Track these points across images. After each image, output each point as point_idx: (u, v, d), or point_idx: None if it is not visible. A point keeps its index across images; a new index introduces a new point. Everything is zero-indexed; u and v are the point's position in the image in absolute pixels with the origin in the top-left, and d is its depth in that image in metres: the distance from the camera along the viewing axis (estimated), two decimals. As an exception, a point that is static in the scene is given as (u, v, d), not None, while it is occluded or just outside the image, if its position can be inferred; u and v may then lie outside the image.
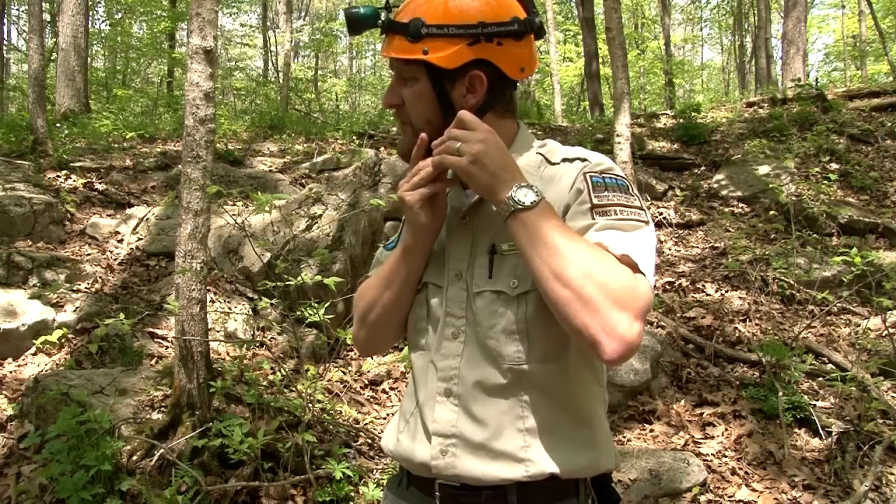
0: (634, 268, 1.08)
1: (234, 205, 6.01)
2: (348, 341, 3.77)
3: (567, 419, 1.19)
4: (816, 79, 13.30)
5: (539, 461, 1.15)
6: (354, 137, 9.10)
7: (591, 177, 1.17)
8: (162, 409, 3.53)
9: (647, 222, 1.15)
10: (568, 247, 1.07)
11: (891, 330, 4.50)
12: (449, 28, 1.18)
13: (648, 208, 7.05)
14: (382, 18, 1.23)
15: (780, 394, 4.03)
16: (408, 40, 1.19)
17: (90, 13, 13.73)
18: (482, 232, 1.23)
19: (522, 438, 1.16)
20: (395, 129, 9.97)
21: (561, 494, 1.18)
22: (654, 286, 1.30)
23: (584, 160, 1.22)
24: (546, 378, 1.17)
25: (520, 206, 1.10)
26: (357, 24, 1.25)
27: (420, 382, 1.27)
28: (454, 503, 1.20)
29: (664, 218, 7.22)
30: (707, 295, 5.80)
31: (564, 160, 1.24)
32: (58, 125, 8.77)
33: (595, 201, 1.14)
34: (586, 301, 1.03)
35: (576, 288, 1.04)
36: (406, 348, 4.45)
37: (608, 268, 1.05)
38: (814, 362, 4.57)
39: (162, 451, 3.13)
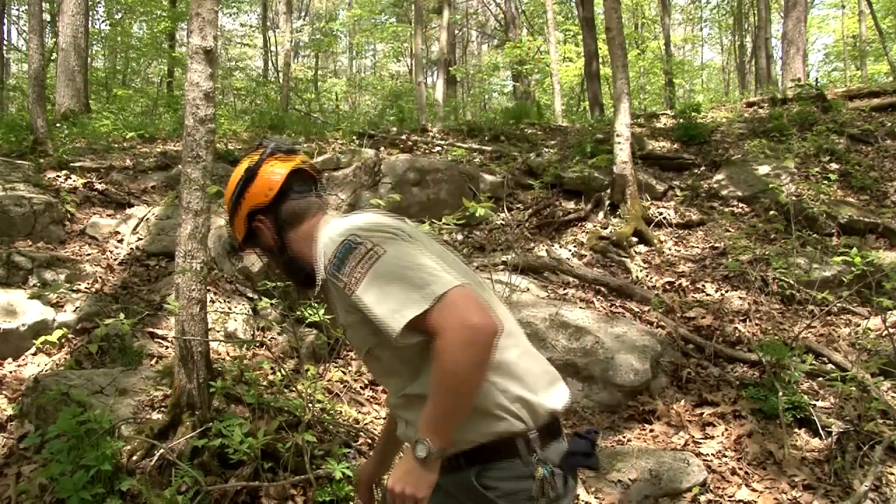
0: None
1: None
2: (348, 341, 3.76)
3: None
4: (816, 79, 13.31)
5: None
6: (354, 137, 9.10)
7: (331, 272, 1.54)
8: (162, 409, 3.53)
9: (381, 253, 1.48)
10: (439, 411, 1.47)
11: (891, 330, 4.50)
12: (230, 216, 1.79)
13: (648, 209, 7.06)
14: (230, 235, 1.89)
15: (780, 394, 4.03)
16: (232, 220, 1.82)
17: (90, 13, 13.72)
18: (339, 321, 1.71)
19: (412, 425, 1.64)
20: (394, 129, 9.98)
21: (475, 458, 1.55)
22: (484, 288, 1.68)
23: (325, 255, 1.58)
24: (414, 392, 1.58)
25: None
26: (233, 249, 2.02)
27: None
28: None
29: (664, 218, 7.22)
30: (707, 295, 5.80)
31: (327, 250, 1.60)
32: (58, 125, 8.77)
33: (343, 280, 1.51)
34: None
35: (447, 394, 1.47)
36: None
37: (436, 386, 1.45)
38: (814, 362, 4.56)
39: (162, 451, 3.13)
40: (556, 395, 1.63)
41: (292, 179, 1.73)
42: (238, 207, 1.75)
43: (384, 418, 2.22)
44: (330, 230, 1.61)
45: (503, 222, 7.17)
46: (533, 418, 1.55)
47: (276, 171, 1.72)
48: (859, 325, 5.18)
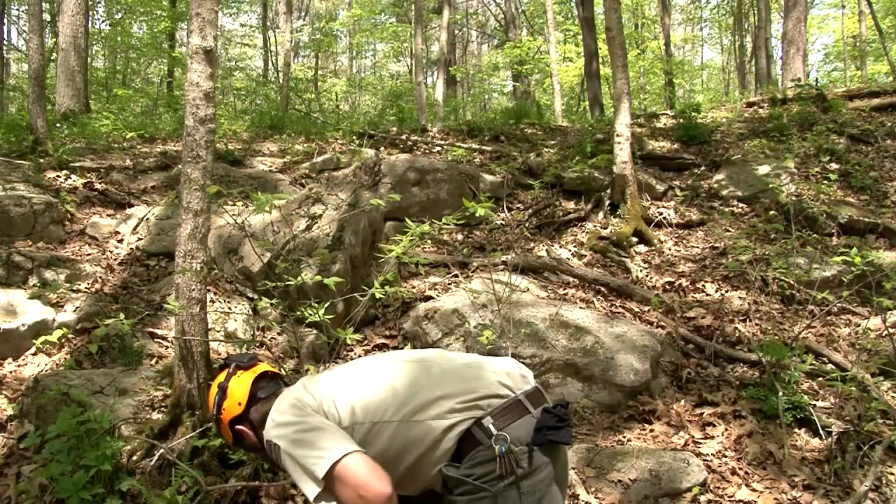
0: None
1: (234, 205, 6.01)
2: (348, 341, 3.77)
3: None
4: (816, 79, 13.30)
5: None
6: (354, 137, 9.10)
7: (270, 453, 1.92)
8: (162, 409, 3.53)
9: (279, 450, 1.84)
10: None
11: (891, 330, 4.50)
12: (217, 429, 2.17)
13: (648, 208, 7.04)
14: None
15: (780, 394, 4.03)
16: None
17: (90, 13, 13.72)
18: None
19: None
20: (394, 129, 9.98)
21: (462, 452, 1.80)
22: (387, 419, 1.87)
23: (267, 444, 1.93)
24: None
25: None
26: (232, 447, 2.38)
27: None
28: None
29: (664, 218, 7.22)
30: (707, 295, 5.80)
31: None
32: (58, 125, 8.77)
33: (274, 461, 1.92)
34: None
35: None
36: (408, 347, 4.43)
37: None
38: (814, 362, 4.56)
39: (162, 451, 3.13)
40: (493, 380, 1.87)
41: (257, 386, 2.08)
42: (220, 420, 2.09)
43: None
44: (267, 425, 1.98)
45: (503, 222, 7.17)
46: (478, 408, 1.79)
47: (242, 384, 2.08)
48: (859, 325, 5.18)
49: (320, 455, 1.73)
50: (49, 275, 4.86)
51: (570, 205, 7.56)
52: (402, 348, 4.54)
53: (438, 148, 8.95)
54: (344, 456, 1.71)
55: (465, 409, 1.79)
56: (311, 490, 1.73)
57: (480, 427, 1.76)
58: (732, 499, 3.46)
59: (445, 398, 1.82)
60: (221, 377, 2.12)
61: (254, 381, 2.08)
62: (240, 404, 2.05)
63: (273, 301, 3.88)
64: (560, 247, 6.73)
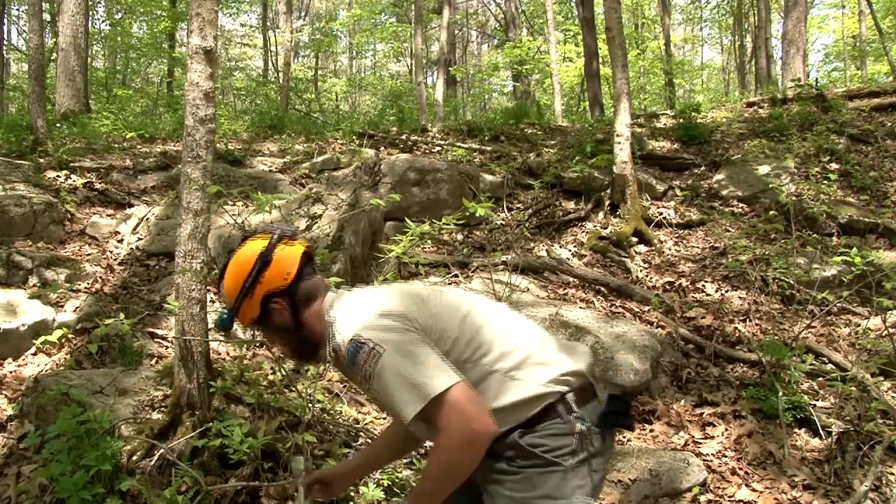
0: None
1: (234, 205, 6.01)
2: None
3: None
4: (816, 79, 13.30)
5: None
6: (354, 137, 9.10)
7: (348, 365, 1.71)
8: (162, 409, 3.53)
9: (382, 352, 1.65)
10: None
11: (891, 330, 4.50)
12: (236, 302, 1.84)
13: (648, 208, 7.03)
14: (227, 316, 1.87)
15: (780, 394, 4.03)
16: (237, 319, 1.87)
17: (90, 13, 13.72)
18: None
19: None
20: (394, 129, 9.98)
21: (536, 420, 1.73)
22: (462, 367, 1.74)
23: (342, 351, 1.73)
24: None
25: None
26: (223, 327, 1.88)
27: None
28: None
29: (664, 218, 7.22)
30: (707, 295, 5.80)
31: (335, 341, 1.78)
32: (58, 125, 8.77)
33: (359, 374, 1.69)
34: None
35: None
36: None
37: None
38: (814, 362, 4.56)
39: (162, 451, 3.13)
40: (578, 359, 1.84)
41: (303, 262, 1.88)
42: (251, 291, 1.82)
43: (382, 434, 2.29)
44: (340, 317, 1.78)
45: (503, 222, 7.17)
46: (567, 384, 1.75)
47: (291, 255, 1.86)
48: (859, 325, 5.18)
49: (436, 374, 1.62)
50: (49, 275, 4.86)
51: (570, 205, 7.56)
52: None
53: (438, 148, 8.95)
54: (459, 382, 1.62)
55: (560, 382, 1.75)
56: (411, 406, 1.60)
57: (563, 402, 1.74)
58: (732, 499, 3.46)
59: (546, 365, 1.77)
60: (258, 244, 1.85)
61: (301, 257, 1.88)
62: (286, 277, 1.82)
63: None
64: (560, 247, 6.73)
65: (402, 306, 1.77)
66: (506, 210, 7.36)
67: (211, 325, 3.78)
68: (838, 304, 5.34)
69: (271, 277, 1.81)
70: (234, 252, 1.89)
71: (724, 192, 7.72)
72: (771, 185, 7.08)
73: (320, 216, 5.13)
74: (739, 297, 5.70)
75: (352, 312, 1.77)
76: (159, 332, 4.45)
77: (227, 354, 4.25)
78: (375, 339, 1.67)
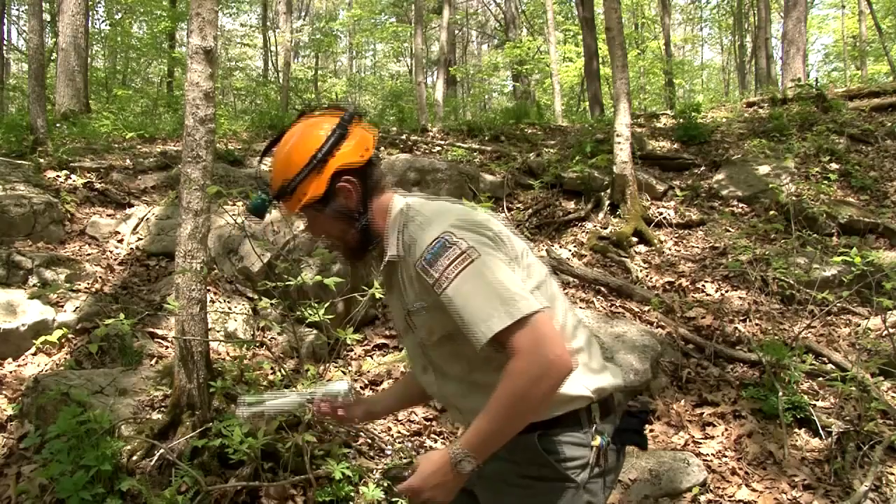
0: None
1: (234, 205, 6.01)
2: (348, 341, 3.77)
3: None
4: (816, 79, 13.29)
5: None
6: (354, 137, 9.08)
7: (421, 266, 1.52)
8: (162, 409, 3.53)
9: (475, 257, 1.47)
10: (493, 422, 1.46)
11: (891, 330, 4.50)
12: (297, 176, 1.59)
13: (648, 208, 7.01)
14: (268, 199, 1.67)
15: (780, 394, 4.03)
16: (286, 201, 1.63)
17: (90, 13, 13.72)
18: (398, 298, 1.67)
19: None
20: (394, 129, 9.98)
21: (557, 423, 1.59)
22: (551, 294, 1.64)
23: (414, 240, 1.55)
24: (492, 378, 1.47)
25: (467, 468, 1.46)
26: (258, 211, 1.69)
27: None
28: None
29: (664, 218, 7.22)
30: (707, 295, 5.80)
31: (408, 234, 1.59)
32: (58, 125, 8.77)
33: (434, 276, 1.49)
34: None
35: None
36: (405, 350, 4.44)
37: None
38: (814, 362, 4.56)
39: (162, 451, 3.13)
40: (614, 372, 1.78)
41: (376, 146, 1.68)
42: (322, 166, 1.58)
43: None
44: (425, 213, 1.58)
45: (503, 222, 7.16)
46: (596, 393, 1.65)
47: (366, 133, 1.64)
48: (859, 325, 5.18)
49: (526, 295, 1.45)
50: (49, 275, 4.86)
51: (570, 205, 7.56)
52: (402, 349, 4.54)
53: (438, 148, 8.95)
54: (548, 308, 1.49)
55: (593, 389, 1.63)
56: (497, 321, 1.41)
57: (588, 412, 1.62)
58: (732, 499, 3.46)
59: (593, 370, 1.67)
60: (327, 119, 1.63)
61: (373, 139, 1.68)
62: (363, 154, 1.60)
63: (273, 301, 3.89)
64: (560, 247, 6.73)
65: (499, 226, 1.61)
66: (506, 210, 7.36)
67: (211, 326, 3.78)
68: (838, 304, 5.34)
69: (348, 152, 1.59)
70: (289, 128, 1.66)
71: (724, 192, 7.72)
72: (771, 185, 7.08)
73: (320, 216, 5.12)
74: (739, 297, 5.70)
75: (443, 212, 1.58)
76: (159, 332, 4.45)
77: (227, 354, 4.25)
78: (470, 241, 1.48)
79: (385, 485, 3.26)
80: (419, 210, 1.61)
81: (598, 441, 1.59)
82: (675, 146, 8.90)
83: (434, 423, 3.97)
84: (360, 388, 4.35)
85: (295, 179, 1.59)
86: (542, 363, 1.40)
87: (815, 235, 6.53)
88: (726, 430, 4.03)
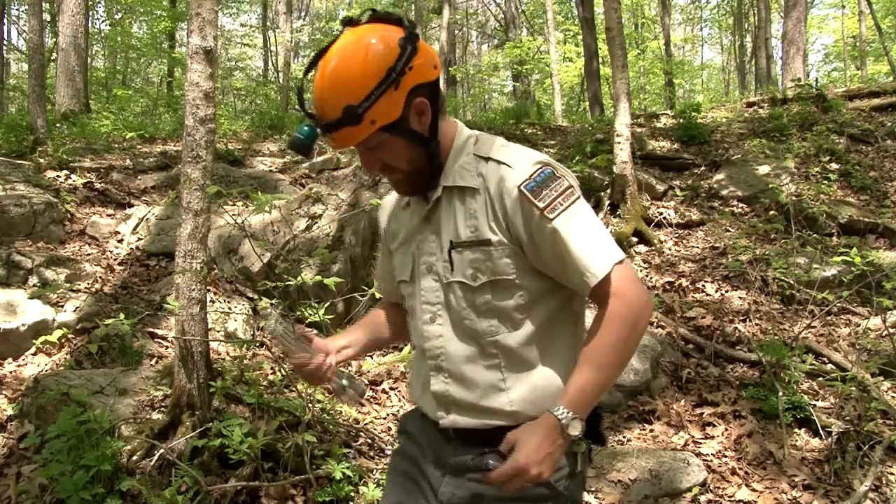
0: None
1: (234, 205, 6.01)
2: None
3: (543, 377, 1.44)
4: (816, 79, 13.31)
5: (522, 411, 1.42)
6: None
7: (524, 190, 1.36)
8: (162, 409, 3.53)
9: (579, 195, 1.39)
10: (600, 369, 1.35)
11: (891, 330, 4.50)
12: (373, 94, 1.32)
13: (648, 208, 7.02)
14: (319, 129, 1.38)
15: (780, 394, 4.03)
16: (352, 127, 1.34)
17: (90, 13, 13.73)
18: (442, 232, 1.47)
19: (508, 396, 1.43)
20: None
21: None
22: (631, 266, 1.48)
23: (509, 167, 1.40)
24: (517, 343, 1.42)
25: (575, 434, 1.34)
26: (306, 146, 1.40)
27: (418, 359, 1.59)
28: (462, 434, 1.49)
29: (664, 218, 7.22)
30: (707, 295, 5.80)
31: (490, 160, 1.43)
32: (58, 125, 8.77)
33: (541, 205, 1.35)
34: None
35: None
36: (406, 348, 4.44)
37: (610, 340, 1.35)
38: (814, 362, 4.56)
39: (162, 451, 3.13)
40: None
41: None
42: (400, 80, 1.34)
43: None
44: (502, 144, 1.46)
45: (503, 222, 7.16)
46: None
47: (430, 47, 1.44)
48: (859, 325, 5.18)
49: (610, 236, 1.40)
50: (49, 275, 4.86)
51: (570, 205, 7.56)
52: (401, 349, 4.54)
53: (438, 148, 8.94)
54: (628, 257, 1.43)
55: None
56: (605, 262, 1.34)
57: None
58: (732, 499, 3.46)
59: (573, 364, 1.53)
60: (386, 30, 1.37)
61: None
62: (434, 70, 1.40)
63: (273, 301, 3.89)
64: (560, 247, 6.73)
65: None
66: (506, 210, 7.35)
67: (211, 326, 3.78)
68: (838, 304, 5.33)
69: (422, 65, 1.37)
70: (334, 43, 1.39)
71: (724, 192, 7.72)
72: (771, 185, 7.08)
73: (320, 216, 5.13)
74: (739, 297, 5.70)
75: (519, 147, 1.46)
76: (159, 332, 4.45)
77: (227, 354, 4.25)
78: (570, 179, 1.39)
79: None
80: (498, 140, 1.47)
81: (583, 447, 1.46)
82: (675, 146, 8.90)
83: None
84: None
85: (368, 99, 1.32)
86: (640, 307, 1.35)
87: (815, 235, 6.53)
88: (726, 430, 4.03)
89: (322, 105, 1.35)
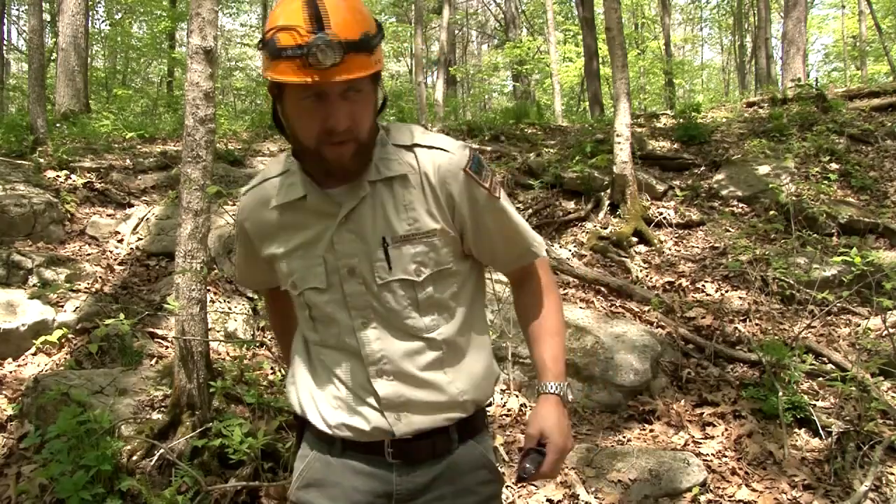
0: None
1: (234, 205, 6.01)
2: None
3: (474, 361, 1.44)
4: (816, 79, 13.30)
5: (473, 399, 1.42)
6: (354, 137, 9.07)
7: (468, 172, 1.36)
8: (162, 409, 3.53)
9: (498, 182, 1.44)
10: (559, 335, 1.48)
11: (891, 330, 4.50)
12: (377, 34, 1.26)
13: (648, 208, 7.01)
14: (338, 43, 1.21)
15: (780, 394, 4.03)
16: (367, 56, 1.24)
17: (90, 13, 13.73)
18: (365, 230, 1.35)
19: (455, 386, 1.39)
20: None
21: (480, 423, 1.47)
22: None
23: (446, 151, 1.36)
24: (454, 333, 1.40)
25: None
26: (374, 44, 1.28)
27: (342, 370, 1.40)
28: (406, 453, 1.39)
29: (664, 218, 7.22)
30: (707, 295, 5.80)
31: (418, 146, 1.37)
32: (58, 125, 8.77)
33: (486, 185, 1.38)
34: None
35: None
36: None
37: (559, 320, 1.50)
38: (814, 362, 4.56)
39: (162, 451, 3.13)
40: None
41: None
42: (378, 47, 1.28)
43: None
44: (424, 132, 1.41)
45: (503, 222, 7.16)
46: None
47: None
48: (859, 325, 5.18)
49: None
50: (49, 275, 4.86)
51: (570, 205, 7.56)
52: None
53: (438, 148, 8.93)
54: None
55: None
56: (542, 245, 1.49)
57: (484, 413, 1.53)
58: (732, 499, 3.46)
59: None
60: None
61: None
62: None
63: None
64: (560, 247, 6.73)
65: None
66: (506, 210, 7.35)
67: (211, 326, 3.78)
68: (838, 304, 5.33)
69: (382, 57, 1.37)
70: None
71: (724, 192, 7.72)
72: (771, 185, 7.07)
73: (320, 216, 5.12)
74: (739, 297, 5.70)
75: (441, 134, 1.45)
76: (159, 332, 4.45)
77: (227, 354, 4.25)
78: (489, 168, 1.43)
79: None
80: (412, 126, 1.42)
81: (500, 440, 1.57)
82: (675, 146, 8.90)
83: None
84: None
85: (375, 37, 1.26)
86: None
87: (815, 235, 6.53)
88: (726, 430, 4.03)
89: (342, 24, 1.21)
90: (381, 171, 1.35)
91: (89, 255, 5.42)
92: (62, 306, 4.53)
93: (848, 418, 4.02)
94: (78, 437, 3.03)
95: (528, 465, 1.36)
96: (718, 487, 3.54)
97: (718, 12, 25.76)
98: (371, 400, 1.37)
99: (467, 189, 1.36)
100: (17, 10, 18.58)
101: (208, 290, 4.27)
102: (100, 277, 5.06)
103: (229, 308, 4.69)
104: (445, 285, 1.39)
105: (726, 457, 3.79)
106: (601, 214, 7.29)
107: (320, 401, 1.42)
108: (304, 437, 1.51)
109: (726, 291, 5.83)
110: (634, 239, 6.79)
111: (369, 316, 1.37)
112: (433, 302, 1.38)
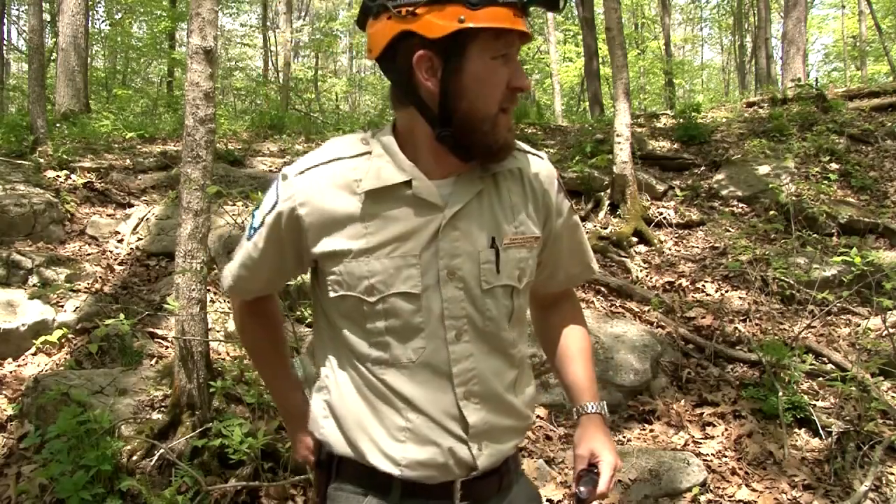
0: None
1: (234, 205, 6.01)
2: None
3: (530, 379, 1.38)
4: (816, 79, 13.29)
5: (531, 418, 1.36)
6: (354, 137, 9.07)
7: (559, 183, 1.37)
8: (162, 409, 3.53)
9: None
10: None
11: (891, 330, 4.50)
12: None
13: (648, 208, 7.00)
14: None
15: (780, 394, 4.03)
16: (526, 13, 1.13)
17: (90, 13, 13.73)
18: (471, 229, 1.19)
19: (524, 409, 1.32)
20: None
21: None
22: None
23: (540, 157, 1.37)
24: (526, 350, 1.33)
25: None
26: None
27: (419, 394, 1.18)
28: (476, 492, 1.23)
29: (664, 218, 7.22)
30: (707, 295, 5.80)
31: (517, 148, 1.33)
32: (58, 125, 8.77)
33: (569, 199, 1.38)
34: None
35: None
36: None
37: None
38: (814, 362, 4.56)
39: (162, 451, 3.13)
40: None
41: None
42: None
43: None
44: None
45: (503, 222, 7.15)
46: None
47: None
48: (859, 325, 5.18)
49: None
50: (49, 275, 4.86)
51: (570, 205, 7.56)
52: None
53: (438, 148, 8.92)
54: None
55: None
56: (596, 265, 1.54)
57: None
58: (732, 499, 3.46)
59: None
60: None
61: None
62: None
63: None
64: (560, 247, 6.73)
65: None
66: (506, 210, 7.34)
67: (211, 326, 3.77)
68: (838, 304, 5.33)
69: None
70: None
71: (724, 192, 7.72)
72: (771, 185, 7.08)
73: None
74: (739, 297, 5.70)
75: None
76: (159, 332, 4.45)
77: (227, 354, 4.25)
78: None
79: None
80: None
81: None
82: (675, 146, 8.90)
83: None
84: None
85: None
86: None
87: (815, 235, 6.53)
88: (726, 430, 4.03)
89: None
90: (518, 164, 1.29)
91: (89, 255, 5.42)
92: (62, 306, 4.53)
93: (848, 418, 4.02)
94: (78, 437, 3.03)
95: (583, 488, 1.31)
96: (718, 487, 3.54)
97: (718, 12, 25.77)
98: (455, 428, 1.18)
99: (560, 199, 1.31)
100: (17, 10, 18.59)
101: (208, 290, 4.27)
102: (100, 277, 5.06)
103: (229, 308, 4.69)
104: (526, 297, 1.30)
105: (726, 457, 3.79)
106: (601, 214, 7.29)
107: (378, 434, 1.18)
108: (341, 477, 1.24)
109: (726, 291, 5.83)
110: (634, 239, 6.79)
111: (463, 327, 1.18)
112: (520, 314, 1.26)
